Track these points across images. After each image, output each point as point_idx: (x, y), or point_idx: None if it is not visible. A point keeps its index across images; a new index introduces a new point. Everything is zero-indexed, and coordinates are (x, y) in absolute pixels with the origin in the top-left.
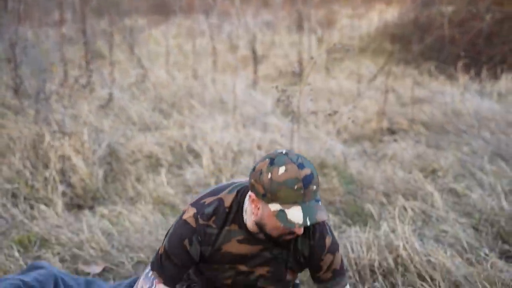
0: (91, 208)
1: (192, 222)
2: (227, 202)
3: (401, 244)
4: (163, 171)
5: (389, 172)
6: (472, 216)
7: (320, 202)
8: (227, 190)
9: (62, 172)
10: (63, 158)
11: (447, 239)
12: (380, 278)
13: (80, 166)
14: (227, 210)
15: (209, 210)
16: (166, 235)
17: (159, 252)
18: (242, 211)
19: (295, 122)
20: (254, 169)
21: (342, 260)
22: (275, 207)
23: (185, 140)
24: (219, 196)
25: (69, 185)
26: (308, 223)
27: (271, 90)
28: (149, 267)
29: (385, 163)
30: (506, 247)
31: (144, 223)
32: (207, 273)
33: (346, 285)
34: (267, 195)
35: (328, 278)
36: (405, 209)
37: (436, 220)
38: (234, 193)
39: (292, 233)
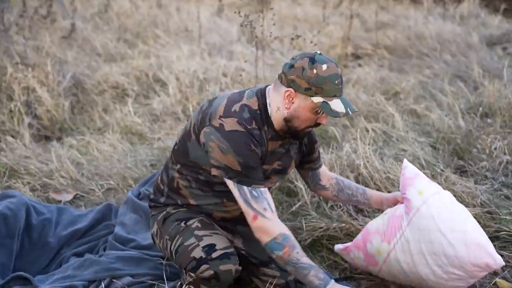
0: (59, 139)
1: (241, 128)
2: (254, 105)
3: (362, 163)
4: (129, 101)
5: (353, 95)
6: (430, 135)
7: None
8: (245, 96)
9: (27, 104)
10: (28, 90)
11: (406, 157)
12: None
13: (45, 97)
14: (258, 112)
15: (246, 115)
16: (225, 154)
17: (238, 170)
18: (267, 111)
19: (259, 48)
20: (292, 66)
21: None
22: (318, 99)
23: (151, 70)
24: (242, 102)
25: (35, 116)
26: (350, 113)
27: (237, 18)
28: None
29: (349, 87)
30: (461, 163)
31: (113, 151)
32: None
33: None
34: (311, 89)
35: (317, 157)
36: (367, 130)
37: (396, 140)
38: (255, 97)
39: (318, 124)
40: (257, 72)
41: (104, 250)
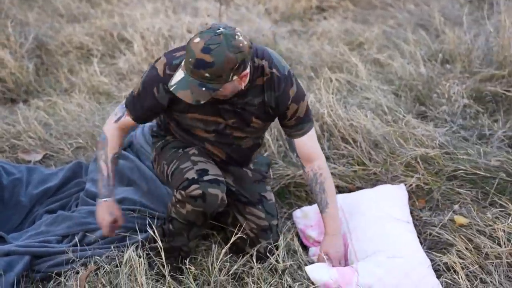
0: (25, 101)
1: (160, 70)
2: None
3: (326, 112)
4: (95, 61)
5: (317, 47)
6: (393, 83)
7: (210, 90)
8: None
9: None
10: None
11: (369, 105)
12: None
13: (8, 59)
14: None
15: (177, 62)
16: (141, 78)
17: (133, 92)
18: None
19: (223, 3)
20: None
21: (307, 109)
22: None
23: (115, 29)
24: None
25: None
26: (171, 89)
27: None
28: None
29: (314, 40)
30: (422, 108)
31: (80, 111)
32: (181, 122)
33: (309, 130)
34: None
35: (292, 125)
36: (331, 80)
37: (360, 89)
38: None
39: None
40: None
41: (76, 206)
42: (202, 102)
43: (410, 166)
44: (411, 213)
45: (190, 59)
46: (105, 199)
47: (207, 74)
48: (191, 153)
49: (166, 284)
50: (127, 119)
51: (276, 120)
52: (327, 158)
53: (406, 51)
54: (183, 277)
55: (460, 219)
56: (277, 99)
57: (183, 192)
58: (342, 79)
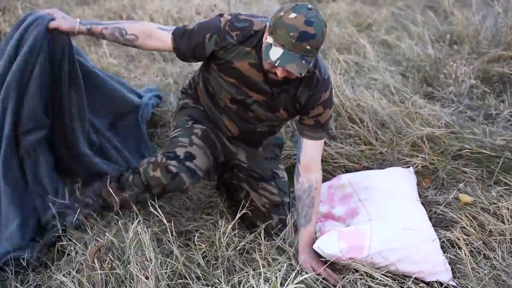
0: None
1: (222, 22)
2: (256, 26)
3: (333, 92)
4: (104, 43)
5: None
6: (400, 64)
7: (308, 63)
8: (261, 19)
9: None
10: (0, 34)
11: (376, 86)
12: None
13: None
14: (252, 32)
15: (238, 24)
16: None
17: (186, 27)
18: (262, 41)
19: None
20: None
21: (328, 119)
22: (269, 39)
23: (124, 11)
24: (253, 19)
25: None
26: (276, 64)
27: None
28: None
29: None
30: (430, 89)
31: None
32: (213, 83)
33: (322, 138)
34: (271, 27)
35: (309, 124)
36: (338, 61)
37: (368, 70)
38: (265, 23)
39: (275, 73)
40: (230, 9)
41: None
42: (303, 74)
43: (416, 146)
44: (418, 192)
45: (292, 33)
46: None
47: (308, 47)
48: (195, 132)
49: (174, 258)
50: (168, 39)
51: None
52: (334, 138)
53: (414, 32)
54: (191, 253)
55: (465, 198)
56: (309, 97)
57: (164, 159)
58: (350, 60)
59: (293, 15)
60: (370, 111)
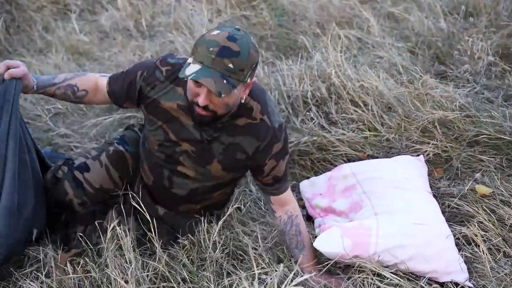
0: None
1: (155, 61)
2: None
3: (333, 72)
4: (73, 17)
5: (324, 0)
6: (409, 39)
7: (230, 84)
8: None
9: None
10: None
11: (382, 64)
12: (313, 108)
13: None
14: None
15: (171, 60)
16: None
17: (122, 71)
18: None
19: None
20: None
21: (286, 168)
22: (189, 59)
23: None
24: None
25: None
26: (189, 77)
27: None
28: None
29: None
30: (442, 67)
31: (58, 73)
32: (146, 128)
33: (285, 191)
34: (193, 48)
35: (269, 183)
36: (339, 37)
37: (372, 47)
38: None
39: (197, 104)
40: None
41: None
42: (223, 95)
43: (427, 131)
44: (429, 184)
45: (212, 48)
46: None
47: (230, 65)
48: (110, 149)
49: (157, 259)
50: (104, 85)
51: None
52: (335, 123)
53: (424, 3)
54: (175, 252)
55: (482, 189)
56: (257, 149)
57: (60, 163)
58: (352, 36)
59: (216, 32)
60: (375, 93)
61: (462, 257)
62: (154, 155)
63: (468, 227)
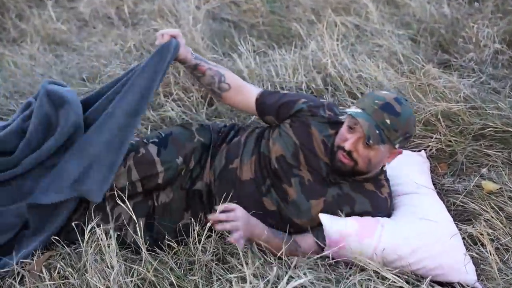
0: None
1: (322, 101)
2: None
3: (329, 62)
4: (49, 4)
5: None
6: (410, 26)
7: (381, 138)
8: None
9: None
10: None
11: (381, 53)
12: None
13: None
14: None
15: (336, 110)
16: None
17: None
18: None
19: None
20: None
21: None
22: (353, 106)
23: None
24: None
25: None
26: (348, 112)
27: None
28: None
29: None
30: (445, 56)
31: (33, 64)
32: (268, 132)
33: None
34: (360, 98)
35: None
36: (335, 24)
37: (371, 34)
38: None
39: (343, 150)
40: None
41: None
42: (371, 142)
43: (430, 125)
44: (432, 180)
45: (377, 101)
46: None
47: (388, 121)
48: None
49: (143, 264)
50: (254, 93)
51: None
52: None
53: None
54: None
55: (488, 185)
56: (364, 212)
57: None
58: (349, 23)
59: (386, 92)
60: (374, 84)
61: (469, 257)
62: (267, 157)
63: (474, 226)
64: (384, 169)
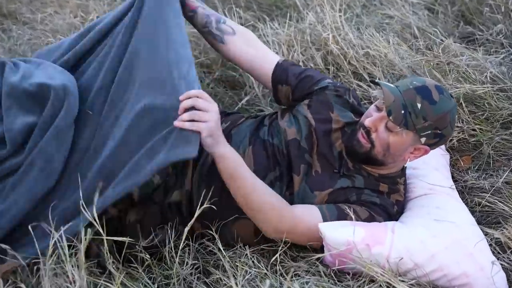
0: None
1: (347, 87)
2: None
3: (331, 37)
4: None
5: None
6: None
7: (404, 118)
8: None
9: None
10: None
11: (392, 26)
12: None
13: None
14: None
15: (358, 97)
16: None
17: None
18: None
19: None
20: None
21: None
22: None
23: None
24: None
25: None
26: (380, 83)
27: None
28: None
29: None
30: (469, 29)
31: None
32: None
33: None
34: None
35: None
36: None
37: (380, 4)
38: None
39: (363, 127)
40: None
41: None
42: (391, 120)
43: None
44: (451, 175)
45: (415, 82)
46: None
47: (419, 105)
48: None
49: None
50: (272, 57)
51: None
52: None
53: None
54: (134, 269)
55: None
56: (366, 201)
57: None
58: None
59: (430, 79)
60: (384, 62)
61: (496, 266)
62: (274, 146)
63: (502, 231)
64: (405, 166)
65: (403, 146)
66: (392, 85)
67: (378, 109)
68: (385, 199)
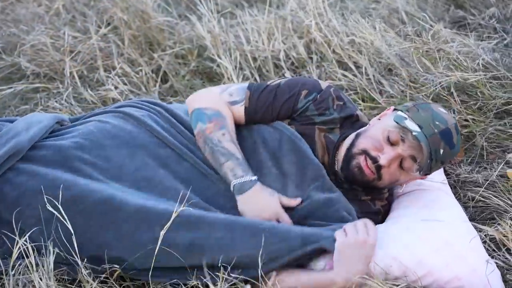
0: None
1: (329, 88)
2: (358, 116)
3: (313, 24)
4: None
5: None
6: None
7: (426, 173)
8: None
9: None
10: None
11: (379, 11)
12: (288, 73)
13: None
14: (353, 115)
15: (344, 98)
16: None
17: (269, 82)
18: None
19: None
20: None
21: None
22: (400, 113)
23: None
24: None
25: None
26: (413, 133)
27: None
28: (247, 83)
29: None
30: (460, 13)
31: None
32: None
33: None
34: (406, 106)
35: None
36: None
37: None
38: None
39: (370, 158)
40: None
41: None
42: (418, 171)
43: (441, 100)
44: (443, 169)
45: (438, 123)
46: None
47: (441, 151)
48: None
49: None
50: (241, 109)
51: None
52: None
53: None
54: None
55: None
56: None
57: None
58: None
59: (444, 110)
60: (370, 50)
61: (491, 264)
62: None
63: (497, 227)
64: None
65: (410, 181)
66: (417, 128)
67: (391, 143)
68: (368, 208)
